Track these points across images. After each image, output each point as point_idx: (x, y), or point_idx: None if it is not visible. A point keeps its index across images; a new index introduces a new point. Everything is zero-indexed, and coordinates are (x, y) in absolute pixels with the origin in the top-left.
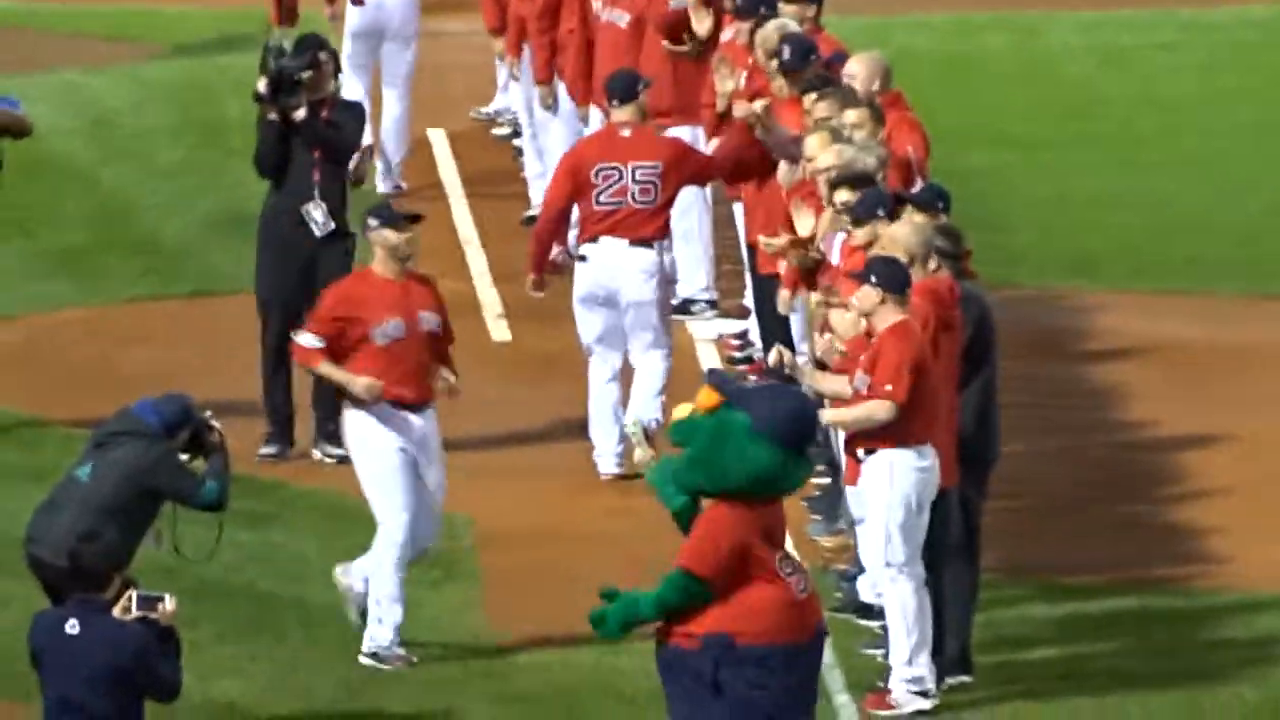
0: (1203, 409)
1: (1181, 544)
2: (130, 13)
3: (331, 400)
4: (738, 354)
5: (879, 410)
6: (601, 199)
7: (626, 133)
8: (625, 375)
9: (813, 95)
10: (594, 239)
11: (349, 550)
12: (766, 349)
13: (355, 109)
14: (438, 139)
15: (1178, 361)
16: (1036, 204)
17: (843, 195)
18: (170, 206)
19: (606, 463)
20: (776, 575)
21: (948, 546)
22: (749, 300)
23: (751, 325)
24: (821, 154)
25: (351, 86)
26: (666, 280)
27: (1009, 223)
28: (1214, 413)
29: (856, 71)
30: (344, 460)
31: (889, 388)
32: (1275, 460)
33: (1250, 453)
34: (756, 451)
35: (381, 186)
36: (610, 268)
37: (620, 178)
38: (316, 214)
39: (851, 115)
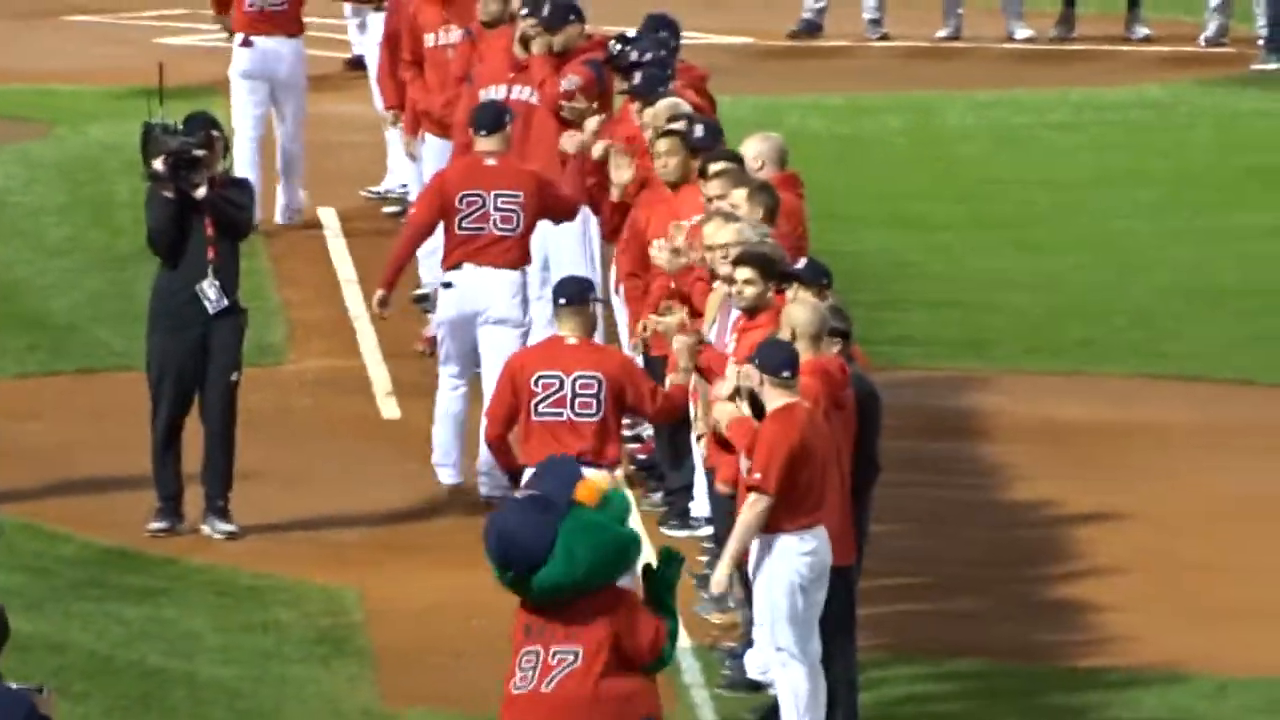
0: (1092, 488)
1: (1070, 622)
2: (20, 91)
3: (222, 476)
4: (627, 432)
5: (756, 508)
6: (464, 224)
7: (491, 161)
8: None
9: (713, 167)
10: (458, 265)
11: (241, 626)
12: (655, 428)
13: (246, 186)
14: (328, 217)
15: (1067, 441)
16: (930, 284)
17: (744, 273)
18: (59, 285)
19: (447, 475)
20: None
21: (836, 625)
22: None
23: None
24: (719, 232)
25: (242, 129)
26: (525, 303)
27: (901, 302)
28: (1103, 492)
29: (751, 151)
30: (234, 536)
31: (758, 476)
32: (1164, 539)
33: (1139, 531)
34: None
35: (279, 219)
36: (474, 290)
37: (483, 205)
38: (210, 292)
39: (738, 195)
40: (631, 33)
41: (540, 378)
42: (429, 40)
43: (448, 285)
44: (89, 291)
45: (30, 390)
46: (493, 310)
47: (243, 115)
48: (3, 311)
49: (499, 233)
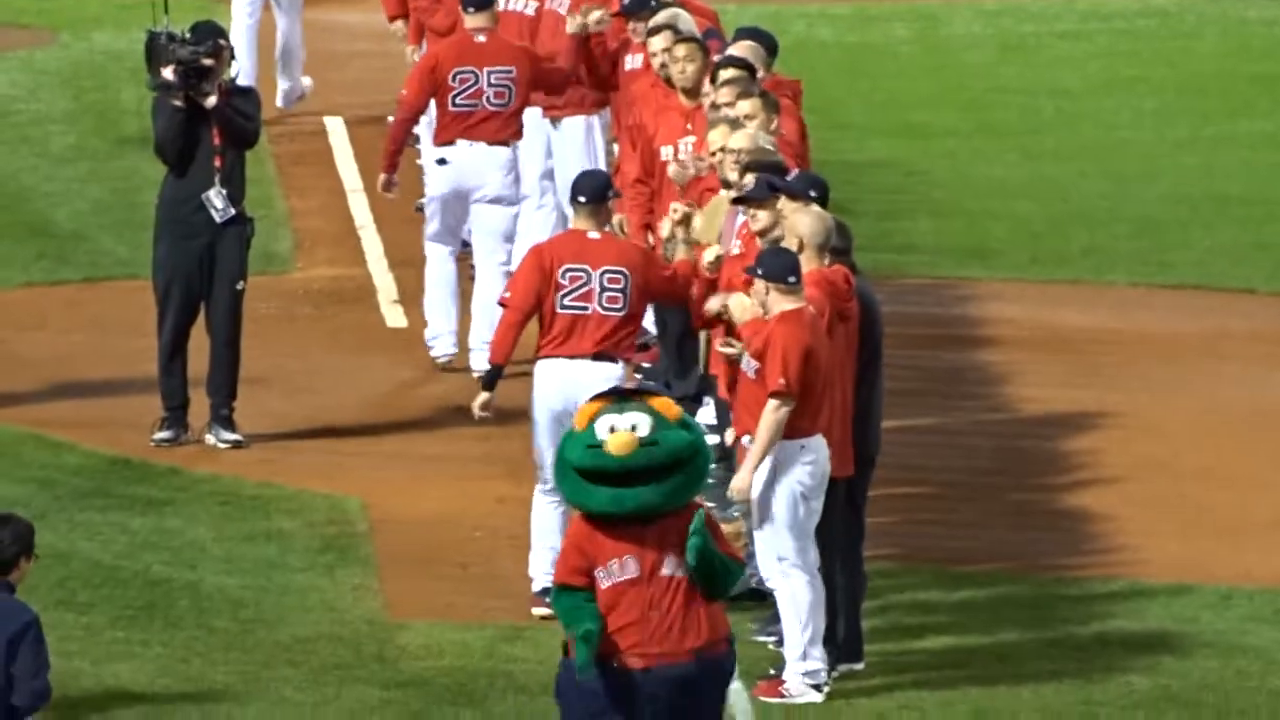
0: (1096, 397)
1: (1073, 531)
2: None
3: (227, 385)
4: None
5: (779, 412)
6: (457, 101)
7: (482, 38)
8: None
9: (719, 78)
10: (451, 141)
11: (245, 536)
12: (662, 335)
13: (253, 95)
14: (335, 126)
15: (1071, 350)
16: (935, 192)
17: (751, 179)
18: (63, 193)
19: (444, 344)
20: None
21: (835, 536)
22: None
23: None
24: (733, 137)
25: (239, 14)
26: (518, 180)
27: (906, 211)
28: (1107, 401)
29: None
30: (238, 445)
31: (781, 381)
32: (1167, 448)
33: (1143, 440)
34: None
35: (280, 103)
36: (468, 167)
37: (476, 81)
38: (217, 201)
39: (745, 105)
40: None
41: (568, 270)
42: None
43: (442, 162)
44: (94, 200)
45: (35, 299)
46: (487, 189)
47: (238, 4)
48: (7, 220)
49: (492, 108)
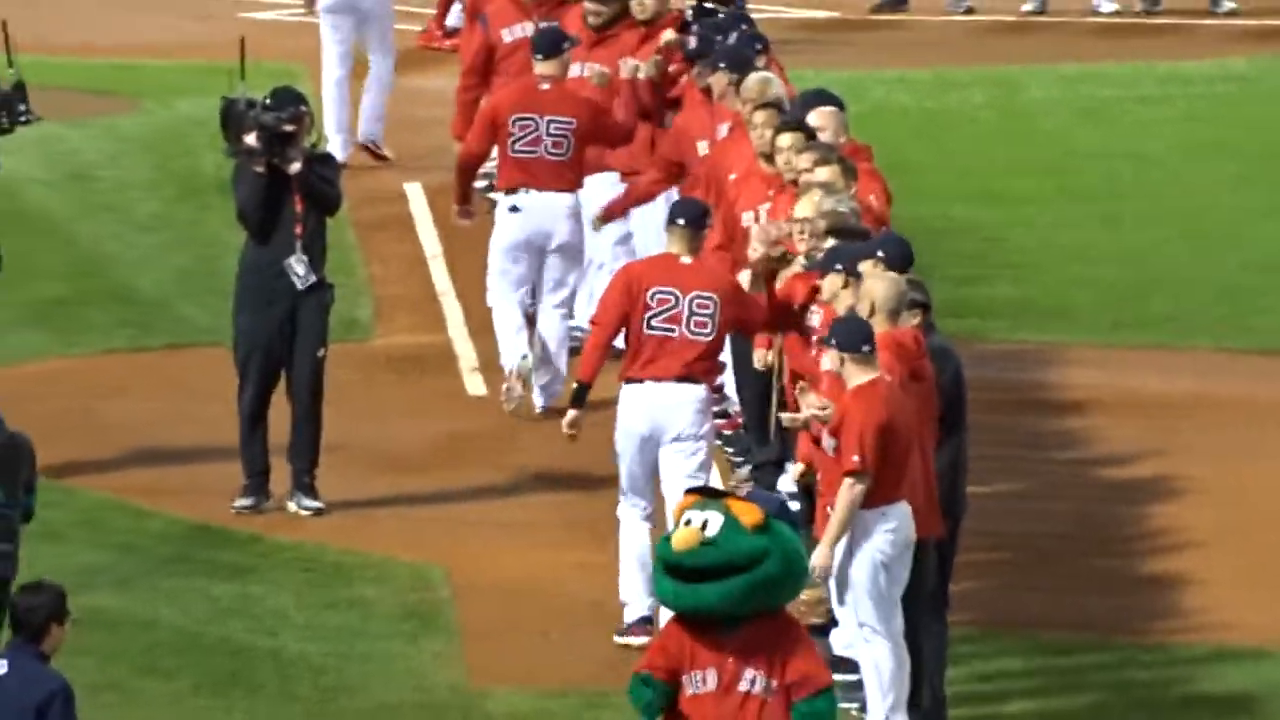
0: (1177, 462)
1: (1156, 597)
2: (107, 66)
3: (309, 452)
4: (714, 409)
5: (853, 491)
6: (517, 148)
7: (546, 86)
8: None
9: (786, 137)
10: (515, 188)
11: (327, 603)
12: (742, 402)
13: (333, 161)
14: (414, 193)
15: (1153, 415)
16: (1015, 258)
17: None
18: (146, 260)
19: (510, 358)
20: None
21: (922, 599)
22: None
23: (727, 379)
24: (799, 206)
25: (331, 68)
26: (582, 225)
27: (986, 277)
28: (1189, 466)
29: (821, 125)
30: (320, 512)
31: (855, 459)
32: (1249, 512)
33: (1224, 505)
34: (801, 545)
35: (360, 139)
36: (538, 216)
37: (535, 129)
38: (299, 267)
39: (824, 172)
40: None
41: (657, 292)
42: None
43: (514, 209)
44: (176, 267)
45: (118, 366)
46: (558, 236)
47: (329, 52)
48: (90, 287)
49: (550, 157)
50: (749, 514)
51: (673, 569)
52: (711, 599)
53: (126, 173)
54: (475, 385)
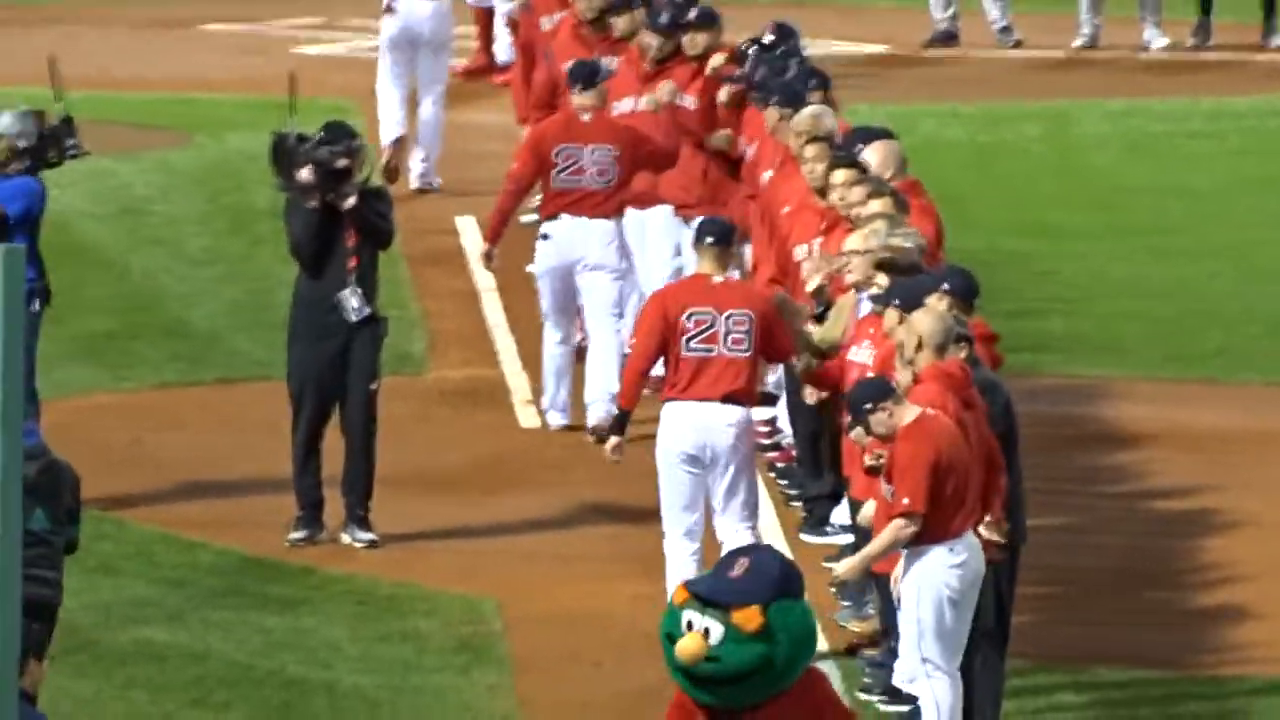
0: (1230, 495)
1: (1209, 630)
2: (159, 100)
3: (362, 485)
4: (765, 440)
5: (901, 531)
6: (560, 178)
7: (586, 117)
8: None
9: (839, 174)
10: (554, 216)
11: (380, 636)
12: (796, 435)
13: (386, 196)
14: (467, 226)
15: (1204, 449)
16: (1066, 291)
17: (882, 279)
18: (198, 294)
19: (555, 417)
20: None
21: (980, 632)
22: (774, 385)
23: (780, 412)
24: (850, 239)
25: (387, 94)
26: (622, 250)
27: (1038, 311)
28: (1241, 499)
29: (872, 159)
30: (373, 545)
31: (906, 501)
32: None
33: (1276, 538)
34: (807, 613)
35: (414, 184)
36: (571, 240)
37: (578, 159)
38: (353, 300)
39: (875, 205)
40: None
41: (693, 314)
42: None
43: (545, 237)
44: (228, 301)
45: (171, 400)
46: (590, 256)
47: (387, 82)
48: (143, 321)
49: (594, 186)
50: (748, 621)
51: (679, 669)
52: (720, 701)
53: (178, 207)
54: (528, 418)
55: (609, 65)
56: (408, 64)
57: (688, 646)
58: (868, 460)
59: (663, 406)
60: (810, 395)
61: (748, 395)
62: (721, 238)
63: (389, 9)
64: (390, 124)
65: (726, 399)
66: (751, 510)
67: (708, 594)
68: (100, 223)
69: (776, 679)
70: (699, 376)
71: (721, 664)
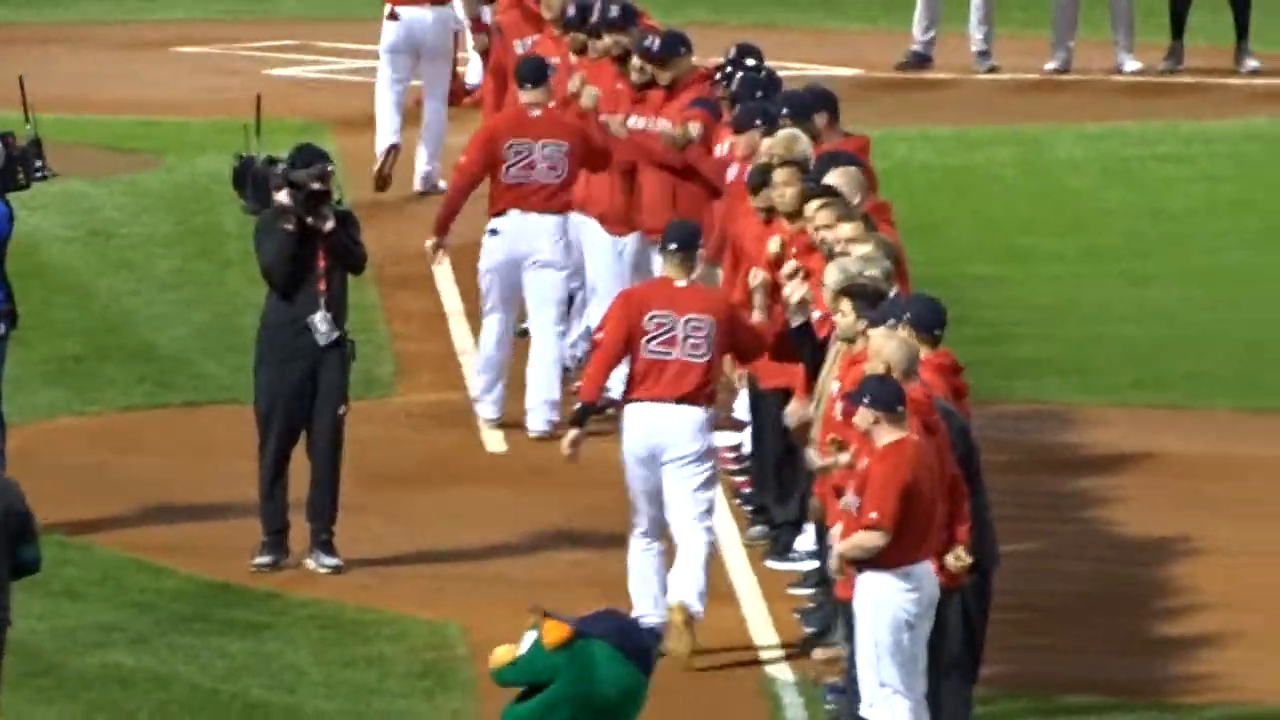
0: (1199, 522)
1: (1178, 657)
2: (128, 122)
3: (328, 510)
4: (733, 466)
5: (868, 540)
6: (511, 172)
7: (536, 113)
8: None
9: (814, 203)
10: (503, 212)
11: (344, 661)
12: (758, 460)
13: (355, 220)
14: None
15: (1174, 475)
16: (1038, 316)
17: (845, 305)
18: (166, 316)
19: (488, 409)
20: None
21: (946, 659)
22: (741, 412)
23: (745, 439)
24: (827, 271)
25: (384, 101)
26: (569, 246)
27: (1009, 335)
28: (1210, 526)
29: (837, 185)
30: (338, 570)
31: (874, 515)
32: (1269, 574)
33: (1244, 566)
34: (627, 673)
35: (417, 185)
36: (519, 235)
37: (529, 153)
38: (322, 325)
39: (846, 229)
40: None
41: (654, 316)
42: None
43: (494, 233)
44: (196, 324)
45: (136, 422)
46: (539, 253)
47: (385, 88)
48: (110, 343)
49: (544, 180)
50: (553, 632)
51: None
52: (514, 715)
53: (146, 229)
54: (495, 442)
55: (555, 64)
56: (407, 71)
57: (498, 652)
58: (820, 458)
59: (624, 407)
60: (791, 415)
61: (705, 396)
62: (685, 243)
63: (392, 15)
64: (385, 132)
65: (682, 400)
66: (708, 509)
67: (550, 614)
68: (68, 245)
69: (554, 711)
70: (657, 378)
71: (514, 668)
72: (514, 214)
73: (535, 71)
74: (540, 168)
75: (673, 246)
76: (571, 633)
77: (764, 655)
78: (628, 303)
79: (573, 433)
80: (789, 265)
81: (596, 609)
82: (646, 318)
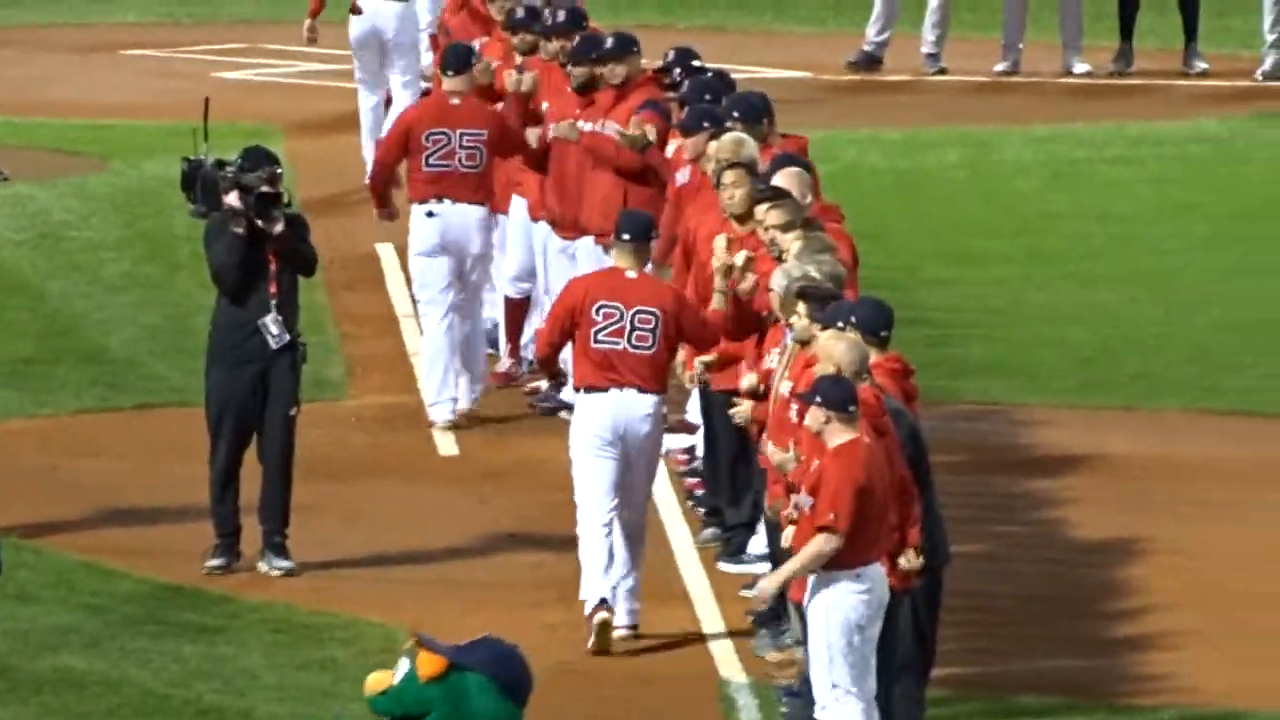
0: (1147, 523)
1: (1126, 658)
2: (77, 126)
3: (280, 513)
4: (683, 468)
5: (824, 545)
6: (431, 161)
7: (456, 101)
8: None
9: (764, 205)
10: (427, 199)
11: (297, 664)
12: (711, 462)
13: (305, 222)
14: (386, 253)
15: (1123, 476)
16: (986, 318)
17: (800, 307)
18: (116, 319)
19: (441, 411)
20: None
21: (897, 660)
22: (693, 414)
23: (698, 440)
24: (774, 275)
25: (363, 102)
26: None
27: (958, 337)
28: (1158, 527)
29: (787, 187)
30: (291, 573)
31: (831, 516)
32: (1218, 575)
33: (1194, 567)
34: (501, 707)
35: (368, 181)
36: (454, 225)
37: (449, 142)
38: (273, 327)
39: (789, 238)
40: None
41: (602, 307)
42: None
43: (430, 215)
44: (146, 326)
45: (87, 426)
46: (473, 245)
47: (364, 94)
48: (61, 346)
49: (464, 169)
50: (427, 665)
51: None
52: None
53: (96, 232)
54: (446, 445)
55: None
56: (376, 65)
57: (372, 678)
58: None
59: (579, 394)
60: (739, 415)
61: (657, 386)
62: (638, 233)
63: (355, 9)
64: (369, 142)
65: (641, 389)
66: (647, 496)
67: (424, 640)
68: (18, 248)
69: None
70: (610, 368)
71: (387, 698)
72: (445, 203)
73: (459, 59)
74: (459, 156)
75: (625, 236)
76: (446, 665)
77: (717, 658)
78: (575, 291)
79: (544, 386)
80: (740, 255)
81: (473, 638)
82: (594, 308)
